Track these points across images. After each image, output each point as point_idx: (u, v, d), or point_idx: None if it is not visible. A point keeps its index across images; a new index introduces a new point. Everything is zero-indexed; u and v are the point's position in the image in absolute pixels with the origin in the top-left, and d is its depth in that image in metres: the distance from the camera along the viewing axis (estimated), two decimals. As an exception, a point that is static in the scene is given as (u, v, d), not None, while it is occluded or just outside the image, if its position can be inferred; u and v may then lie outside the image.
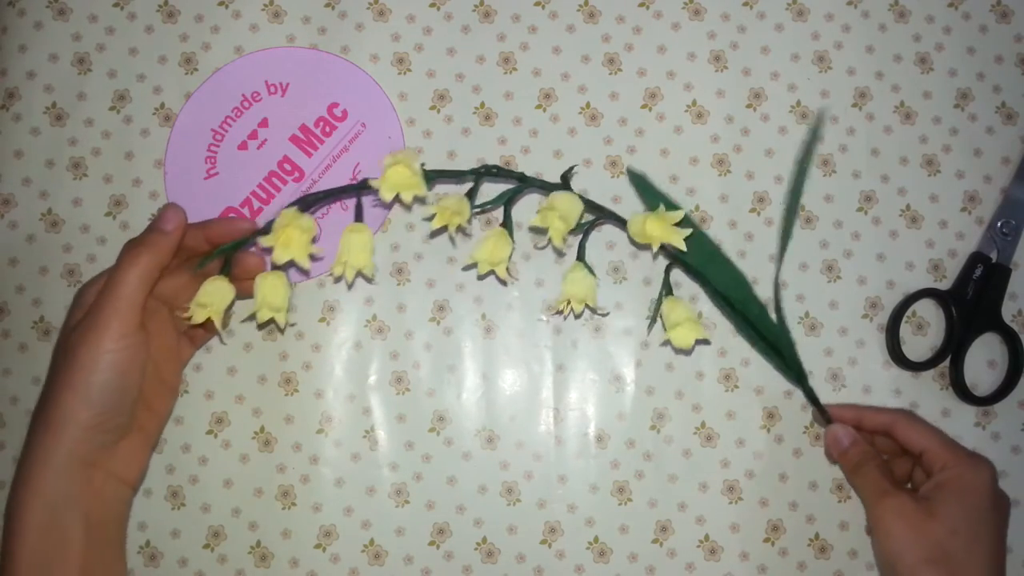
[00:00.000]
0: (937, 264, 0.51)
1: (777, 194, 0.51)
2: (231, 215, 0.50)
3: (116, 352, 0.41)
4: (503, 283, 0.50)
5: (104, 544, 0.43)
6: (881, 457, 0.47)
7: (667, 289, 0.47)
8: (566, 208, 0.45)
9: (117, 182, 0.50)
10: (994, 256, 0.50)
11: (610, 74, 0.52)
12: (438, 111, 0.51)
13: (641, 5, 0.52)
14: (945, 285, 0.51)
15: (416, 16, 0.52)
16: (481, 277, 0.50)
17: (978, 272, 0.50)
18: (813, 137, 0.50)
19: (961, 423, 0.50)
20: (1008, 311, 0.51)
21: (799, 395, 0.50)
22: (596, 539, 0.49)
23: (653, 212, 0.45)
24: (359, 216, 0.46)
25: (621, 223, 0.47)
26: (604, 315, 0.50)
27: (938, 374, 0.50)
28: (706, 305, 0.50)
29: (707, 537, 0.49)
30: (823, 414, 0.48)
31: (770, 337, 0.48)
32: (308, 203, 0.45)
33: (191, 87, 0.51)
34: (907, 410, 0.48)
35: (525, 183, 0.47)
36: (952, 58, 0.52)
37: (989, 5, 0.53)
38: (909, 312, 0.50)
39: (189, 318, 0.44)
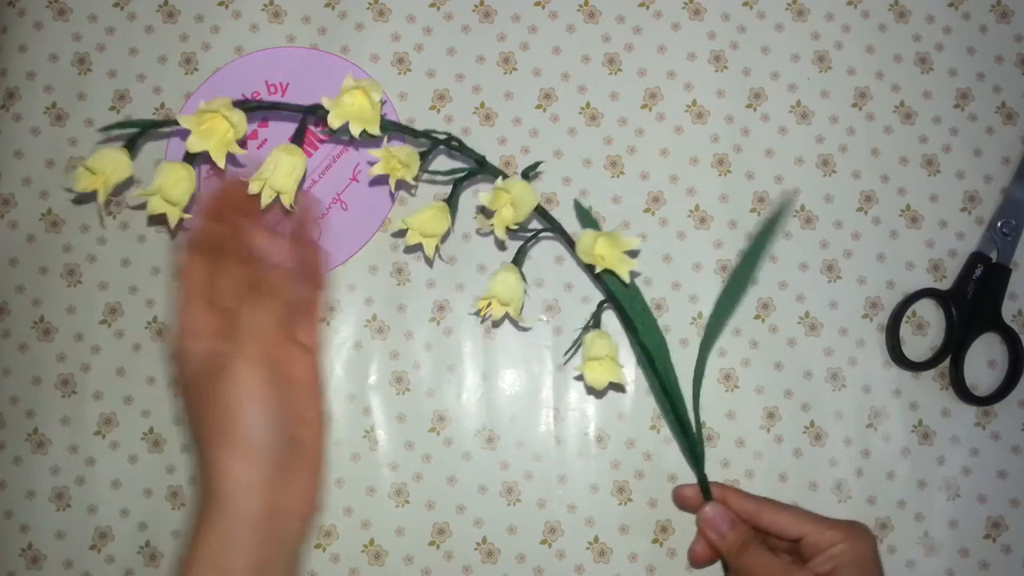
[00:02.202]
0: (937, 264, 0.51)
1: (777, 194, 0.51)
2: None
3: (263, 396, 0.39)
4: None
5: None
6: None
7: (596, 322, 0.45)
8: (519, 195, 0.42)
9: (117, 182, 0.50)
10: (994, 256, 0.50)
11: (610, 74, 0.52)
12: (438, 111, 0.51)
13: (641, 5, 0.52)
14: (945, 285, 0.51)
15: (416, 16, 0.52)
16: (408, 249, 0.47)
17: (978, 272, 0.50)
18: (776, 220, 0.49)
19: (961, 423, 0.50)
20: (1008, 311, 0.51)
21: (799, 395, 0.50)
22: (596, 539, 0.49)
23: (608, 232, 0.43)
24: (299, 139, 0.42)
25: (569, 242, 0.45)
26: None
27: (938, 374, 0.50)
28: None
29: (707, 537, 0.49)
30: (705, 494, 0.46)
31: (680, 411, 0.46)
32: (247, 108, 0.42)
33: (191, 87, 0.51)
34: (769, 498, 0.45)
35: (483, 167, 0.44)
36: (952, 58, 0.52)
37: (989, 5, 0.53)
38: (909, 312, 0.50)
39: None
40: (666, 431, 0.49)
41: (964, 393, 0.49)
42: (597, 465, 0.49)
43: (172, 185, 0.41)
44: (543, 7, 0.52)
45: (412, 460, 0.49)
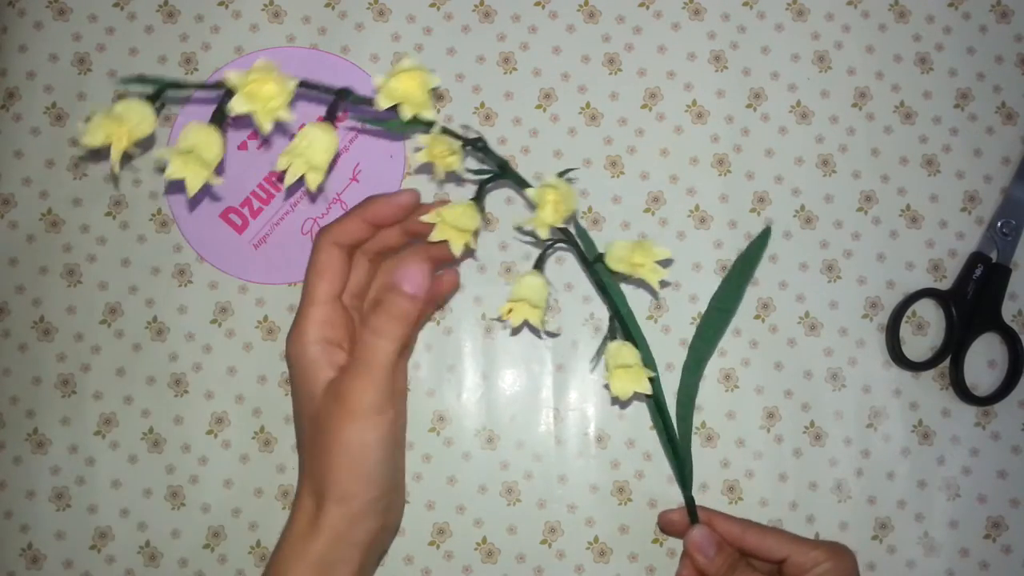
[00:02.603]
0: (937, 264, 0.51)
1: (777, 194, 0.51)
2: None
3: (382, 426, 0.39)
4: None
5: None
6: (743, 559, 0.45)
7: (612, 335, 0.45)
8: (565, 194, 0.41)
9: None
10: (994, 256, 0.50)
11: (610, 74, 0.52)
12: (438, 111, 0.51)
13: (641, 5, 0.52)
14: (945, 285, 0.51)
15: (416, 16, 0.52)
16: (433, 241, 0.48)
17: (978, 272, 0.50)
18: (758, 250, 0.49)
19: (961, 423, 0.50)
20: (1008, 311, 0.51)
21: (799, 395, 0.50)
22: (596, 539, 0.49)
23: (641, 241, 0.42)
24: (331, 119, 0.39)
25: (582, 257, 0.45)
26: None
27: (938, 374, 0.50)
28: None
29: (707, 537, 0.49)
30: (691, 517, 0.46)
31: (671, 433, 0.47)
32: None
33: (191, 87, 0.51)
34: (753, 521, 0.46)
35: (505, 172, 0.43)
36: (952, 58, 0.52)
37: (989, 5, 0.53)
38: (909, 312, 0.51)
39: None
40: (666, 431, 0.49)
41: (964, 393, 0.49)
42: (597, 465, 0.49)
43: (205, 146, 0.38)
44: (543, 7, 0.52)
45: (412, 460, 0.49)
